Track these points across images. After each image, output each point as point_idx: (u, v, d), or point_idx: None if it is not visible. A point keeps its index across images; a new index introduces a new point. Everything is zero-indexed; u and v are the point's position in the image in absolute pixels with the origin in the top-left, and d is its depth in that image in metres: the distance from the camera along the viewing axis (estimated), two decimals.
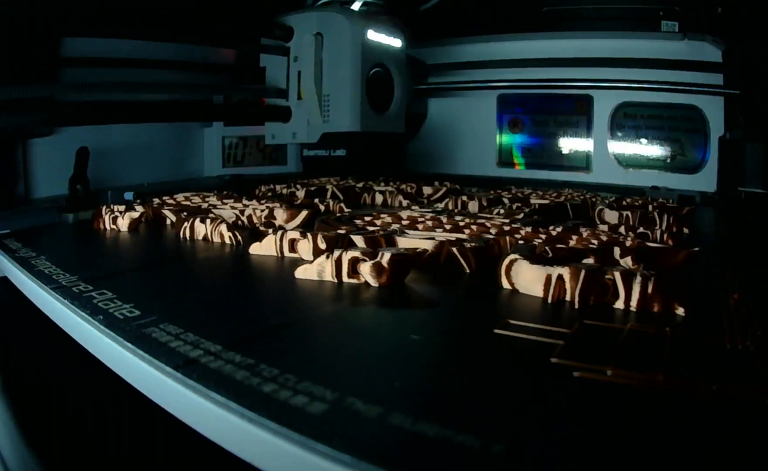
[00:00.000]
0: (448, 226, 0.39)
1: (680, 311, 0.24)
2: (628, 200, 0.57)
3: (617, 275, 0.24)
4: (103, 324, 0.24)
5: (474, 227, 0.38)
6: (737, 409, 0.17)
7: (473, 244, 0.32)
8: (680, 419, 0.16)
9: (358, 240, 0.31)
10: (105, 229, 0.46)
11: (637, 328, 0.22)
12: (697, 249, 0.32)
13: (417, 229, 0.39)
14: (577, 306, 0.25)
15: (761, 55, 0.72)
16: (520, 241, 0.35)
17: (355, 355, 0.21)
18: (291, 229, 0.40)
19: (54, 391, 0.30)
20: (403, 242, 0.34)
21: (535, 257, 0.27)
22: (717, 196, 0.75)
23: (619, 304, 0.25)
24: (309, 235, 0.33)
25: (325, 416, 0.16)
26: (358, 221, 0.42)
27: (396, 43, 0.82)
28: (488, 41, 0.87)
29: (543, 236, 0.36)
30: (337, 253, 0.28)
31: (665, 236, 0.37)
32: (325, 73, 0.75)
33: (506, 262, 0.27)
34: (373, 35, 0.77)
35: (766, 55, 0.71)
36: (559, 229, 0.38)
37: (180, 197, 0.55)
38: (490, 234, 0.36)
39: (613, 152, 0.83)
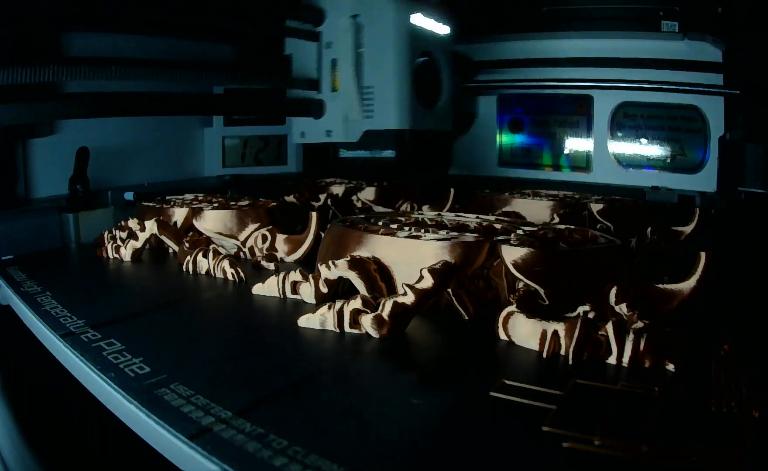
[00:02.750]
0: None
1: (671, 367, 0.25)
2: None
3: (610, 331, 0.25)
4: (115, 382, 0.25)
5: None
6: None
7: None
8: None
9: (358, 284, 0.31)
10: (108, 257, 0.46)
11: (628, 388, 0.23)
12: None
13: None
14: (571, 362, 0.26)
15: (761, 55, 0.72)
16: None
17: (358, 422, 0.22)
18: (293, 260, 0.41)
19: (54, 393, 0.31)
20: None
21: (532, 310, 0.27)
22: (717, 196, 0.75)
23: (612, 360, 0.26)
24: (311, 277, 0.33)
25: None
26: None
27: (443, 29, 0.74)
28: (488, 41, 0.87)
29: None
30: (339, 304, 0.29)
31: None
32: (366, 62, 0.67)
33: (504, 314, 0.28)
34: (420, 19, 0.69)
35: (766, 55, 0.71)
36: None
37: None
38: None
39: (613, 152, 0.83)
